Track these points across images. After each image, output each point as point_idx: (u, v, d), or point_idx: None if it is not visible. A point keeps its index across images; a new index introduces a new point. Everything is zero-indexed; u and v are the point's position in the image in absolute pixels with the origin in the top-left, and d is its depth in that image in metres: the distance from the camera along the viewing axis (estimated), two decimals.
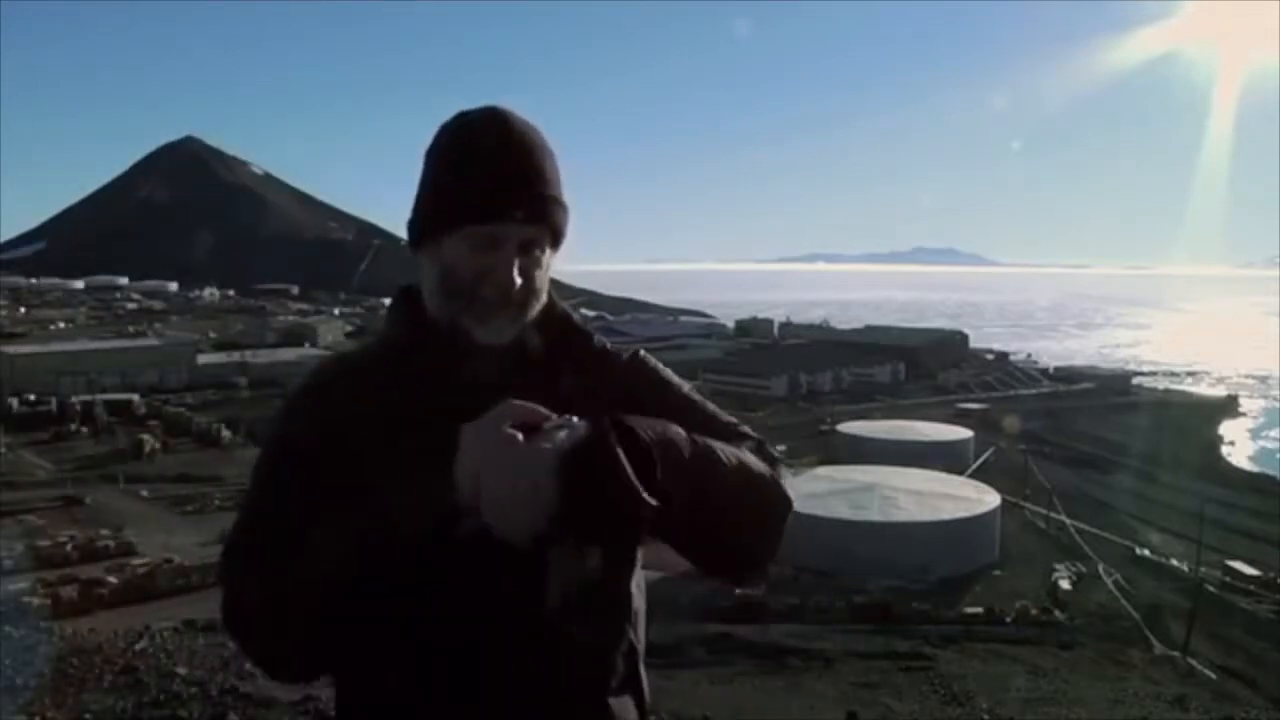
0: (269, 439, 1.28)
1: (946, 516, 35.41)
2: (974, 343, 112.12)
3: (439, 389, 1.21)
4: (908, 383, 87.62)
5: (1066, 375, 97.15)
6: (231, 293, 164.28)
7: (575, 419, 1.06)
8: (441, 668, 1.17)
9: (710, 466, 1.13)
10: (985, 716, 14.11)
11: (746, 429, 1.34)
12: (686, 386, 1.42)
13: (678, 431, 1.12)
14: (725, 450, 1.17)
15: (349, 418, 1.20)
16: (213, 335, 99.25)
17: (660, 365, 1.43)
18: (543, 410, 1.07)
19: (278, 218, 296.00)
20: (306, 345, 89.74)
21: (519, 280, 1.21)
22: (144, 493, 44.62)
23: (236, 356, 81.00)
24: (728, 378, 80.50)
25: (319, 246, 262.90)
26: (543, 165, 1.24)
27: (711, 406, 1.37)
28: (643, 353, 1.42)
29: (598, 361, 1.34)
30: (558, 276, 1.36)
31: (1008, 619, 27.99)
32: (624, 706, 1.28)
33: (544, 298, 1.28)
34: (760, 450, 1.29)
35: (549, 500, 1.01)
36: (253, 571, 1.15)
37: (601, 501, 1.01)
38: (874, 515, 35.64)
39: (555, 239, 1.27)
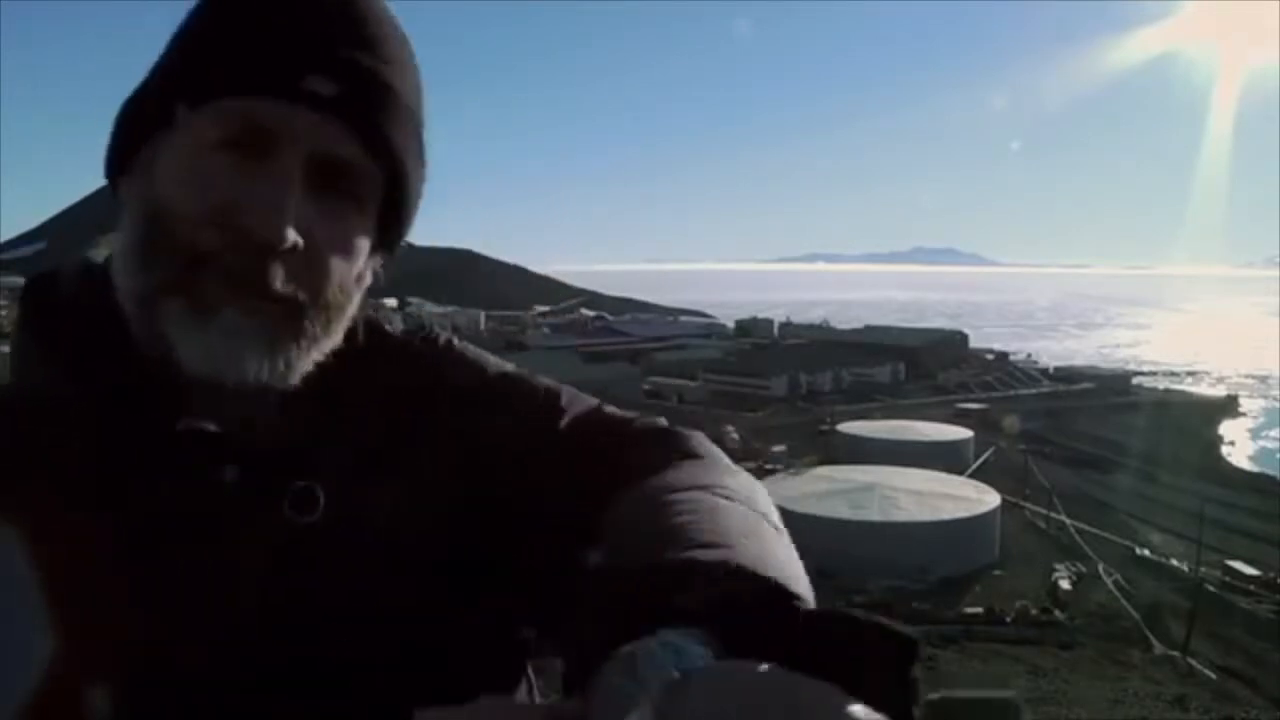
0: None
1: (946, 516, 35.43)
2: (974, 343, 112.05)
3: (129, 482, 0.65)
4: (908, 383, 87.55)
5: (1066, 375, 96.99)
6: None
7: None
8: None
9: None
10: None
11: (642, 419, 0.83)
12: (510, 368, 0.86)
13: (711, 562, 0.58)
14: (745, 519, 0.71)
15: None
16: None
17: (471, 347, 0.87)
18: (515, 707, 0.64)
19: None
20: None
21: (291, 232, 0.63)
22: None
23: None
24: (728, 378, 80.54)
25: None
26: (383, 28, 0.69)
27: (569, 392, 0.84)
28: (447, 338, 0.85)
29: (399, 365, 0.79)
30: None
31: (1008, 619, 28.01)
32: None
33: (349, 306, 0.71)
34: (683, 442, 0.79)
35: None
36: None
37: None
38: (874, 515, 35.66)
39: (393, 186, 0.70)
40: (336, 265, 0.66)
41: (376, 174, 0.67)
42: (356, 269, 0.69)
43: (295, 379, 0.67)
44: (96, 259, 0.75)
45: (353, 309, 0.71)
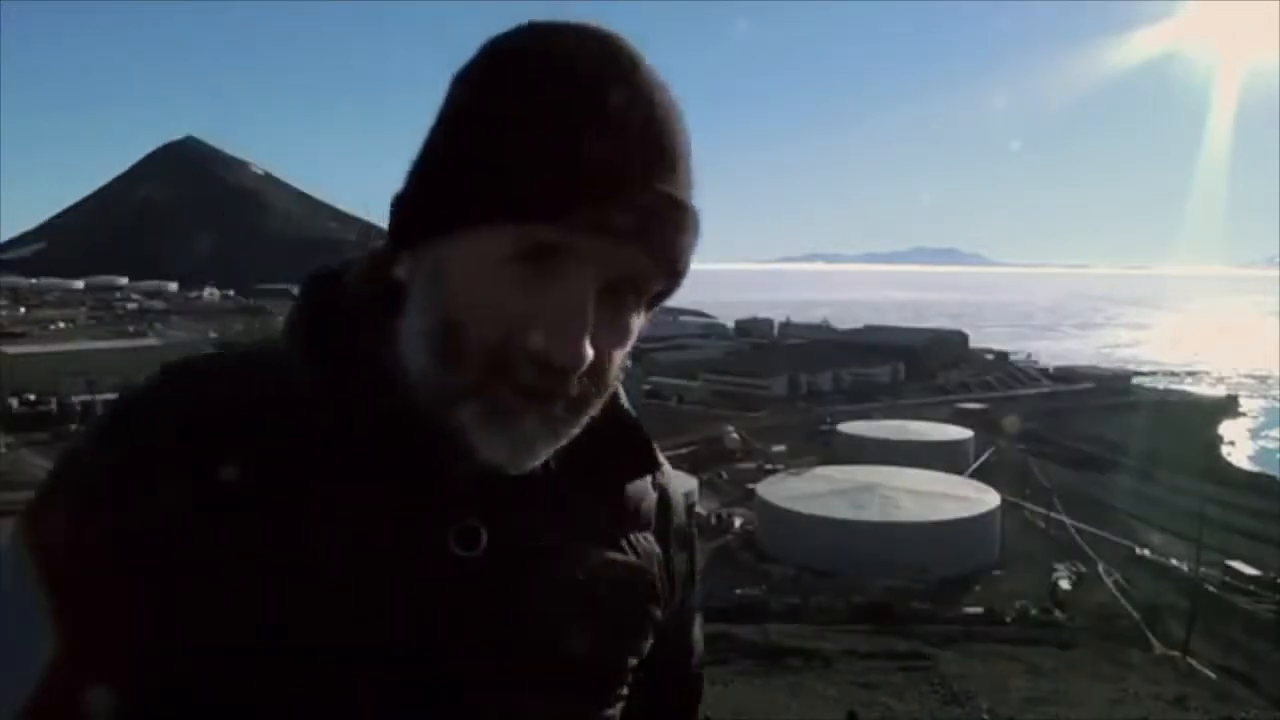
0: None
1: (946, 516, 35.44)
2: (974, 343, 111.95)
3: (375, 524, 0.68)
4: (908, 383, 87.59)
5: (1066, 375, 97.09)
6: (231, 293, 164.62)
7: None
8: None
9: None
10: (985, 716, 14.13)
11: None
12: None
13: None
14: None
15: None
16: (213, 335, 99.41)
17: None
18: None
19: (278, 218, 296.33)
20: None
21: (589, 353, 0.65)
22: None
23: None
24: (728, 378, 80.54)
25: (319, 246, 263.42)
26: (681, 148, 0.69)
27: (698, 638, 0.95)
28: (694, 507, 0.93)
29: (657, 508, 0.85)
30: None
31: (1008, 619, 28.02)
32: None
33: (609, 392, 0.73)
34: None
35: None
36: None
37: None
38: (874, 515, 35.67)
39: (669, 285, 0.71)
40: (618, 357, 0.70)
41: (663, 271, 0.69)
42: (624, 355, 0.71)
43: (542, 459, 0.70)
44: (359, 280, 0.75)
45: (613, 386, 0.73)
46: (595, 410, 0.70)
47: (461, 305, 0.65)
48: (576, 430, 0.70)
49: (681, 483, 0.86)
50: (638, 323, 0.70)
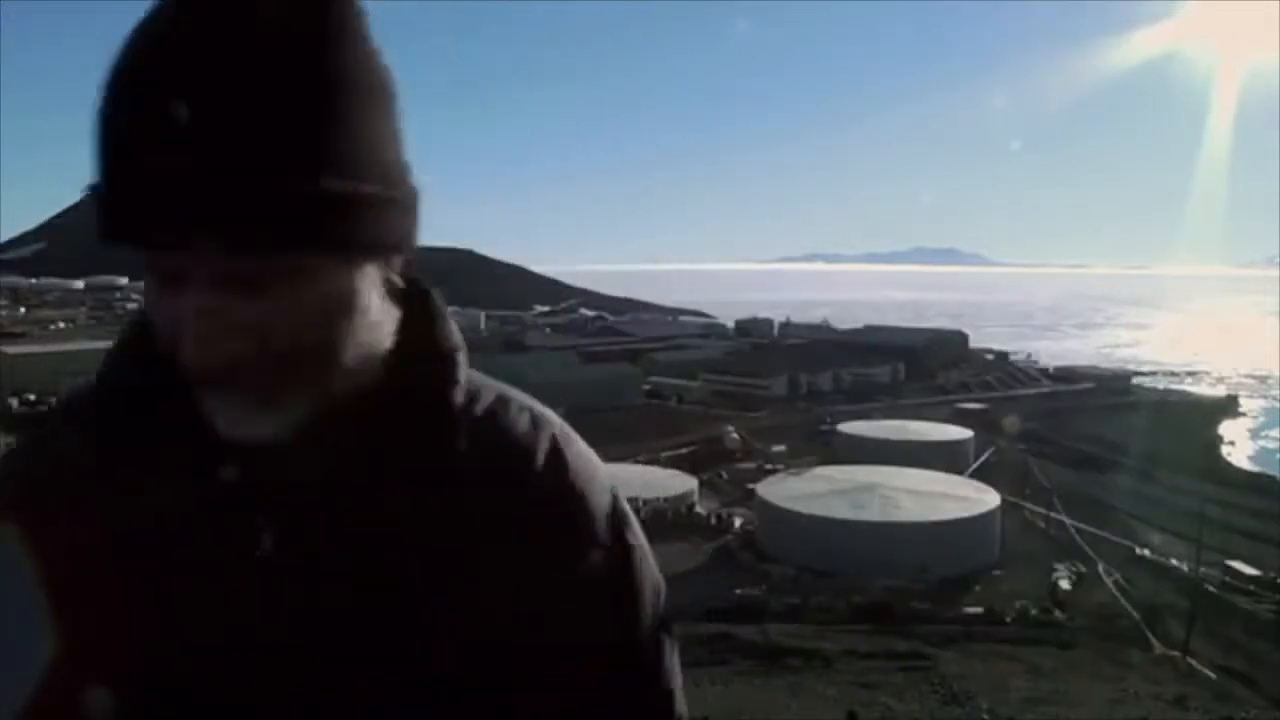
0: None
1: (946, 516, 35.47)
2: (974, 343, 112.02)
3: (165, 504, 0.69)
4: (908, 383, 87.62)
5: (1066, 375, 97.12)
6: None
7: None
8: None
9: None
10: (985, 716, 14.14)
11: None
12: (652, 608, 0.77)
13: None
14: None
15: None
16: None
17: (643, 546, 0.78)
18: None
19: None
20: None
21: (222, 351, 0.62)
22: None
23: None
24: (728, 378, 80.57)
25: None
26: (306, 112, 0.60)
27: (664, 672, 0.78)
28: (617, 495, 0.78)
29: (535, 514, 0.72)
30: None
31: (1008, 619, 28.03)
32: None
33: (347, 357, 0.67)
34: None
35: None
36: None
37: None
38: (874, 515, 35.70)
39: (360, 251, 0.66)
40: (308, 328, 0.65)
41: (311, 248, 0.64)
42: (331, 311, 0.66)
43: (271, 430, 0.67)
44: None
45: (363, 332, 0.68)
46: (328, 375, 0.67)
47: (151, 313, 0.67)
48: (307, 394, 0.67)
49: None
50: (316, 279, 0.64)
